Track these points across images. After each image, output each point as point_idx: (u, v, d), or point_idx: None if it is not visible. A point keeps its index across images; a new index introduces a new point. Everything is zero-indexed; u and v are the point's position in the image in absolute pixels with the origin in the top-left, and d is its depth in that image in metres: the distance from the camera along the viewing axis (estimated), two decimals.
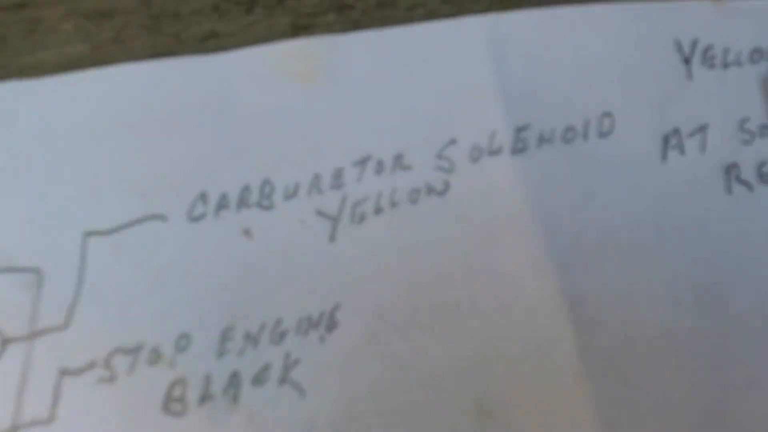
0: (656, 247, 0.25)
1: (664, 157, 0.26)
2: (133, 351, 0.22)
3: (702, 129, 0.27)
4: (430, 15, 0.26)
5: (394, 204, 0.25)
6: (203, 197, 0.24)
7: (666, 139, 0.26)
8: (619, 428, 0.23)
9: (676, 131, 0.26)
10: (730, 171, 0.26)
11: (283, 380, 0.23)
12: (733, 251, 0.25)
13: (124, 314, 0.23)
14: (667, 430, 0.24)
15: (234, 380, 0.23)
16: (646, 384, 0.24)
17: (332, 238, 0.24)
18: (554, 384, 0.24)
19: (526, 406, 0.23)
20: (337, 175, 0.25)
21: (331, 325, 0.24)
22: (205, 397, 0.22)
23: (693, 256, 0.25)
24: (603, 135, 0.26)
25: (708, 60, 0.27)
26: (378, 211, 0.25)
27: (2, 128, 0.23)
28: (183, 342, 0.23)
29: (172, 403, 0.22)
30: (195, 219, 0.23)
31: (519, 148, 0.25)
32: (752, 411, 0.24)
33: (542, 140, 0.26)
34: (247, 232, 0.24)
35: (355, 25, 0.26)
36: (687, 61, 0.27)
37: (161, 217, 0.23)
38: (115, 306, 0.22)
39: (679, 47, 0.27)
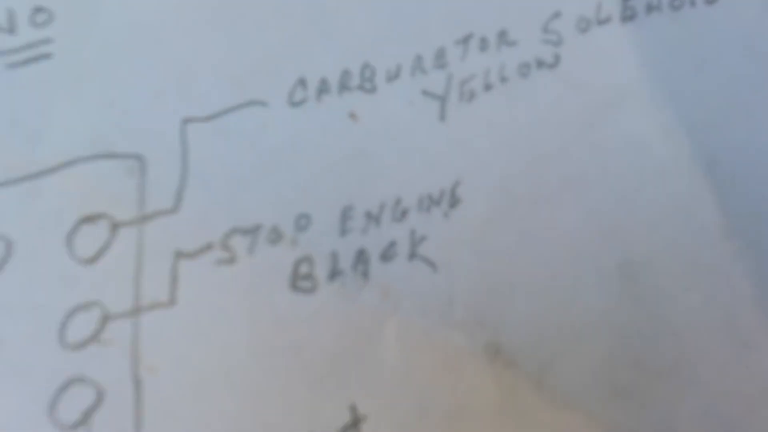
0: None
1: None
2: (252, 231, 0.21)
3: None
4: None
5: (504, 79, 0.23)
6: (302, 82, 0.22)
7: None
8: None
9: None
10: None
11: (413, 255, 0.21)
12: None
13: (235, 197, 0.21)
14: None
15: (361, 257, 0.21)
16: None
17: (442, 117, 0.23)
18: (700, 244, 0.22)
19: (671, 268, 0.22)
20: (440, 55, 0.23)
21: (454, 202, 0.22)
22: (334, 274, 0.21)
23: None
24: (709, 2, 0.25)
25: None
26: (488, 87, 0.23)
27: (92, 17, 0.21)
28: (303, 222, 0.21)
29: (300, 280, 0.20)
30: (296, 104, 0.22)
31: (628, 16, 0.24)
32: None
33: (650, 8, 0.24)
34: (352, 115, 0.22)
35: None
36: None
37: (261, 103, 0.22)
38: (224, 189, 0.21)
39: None
